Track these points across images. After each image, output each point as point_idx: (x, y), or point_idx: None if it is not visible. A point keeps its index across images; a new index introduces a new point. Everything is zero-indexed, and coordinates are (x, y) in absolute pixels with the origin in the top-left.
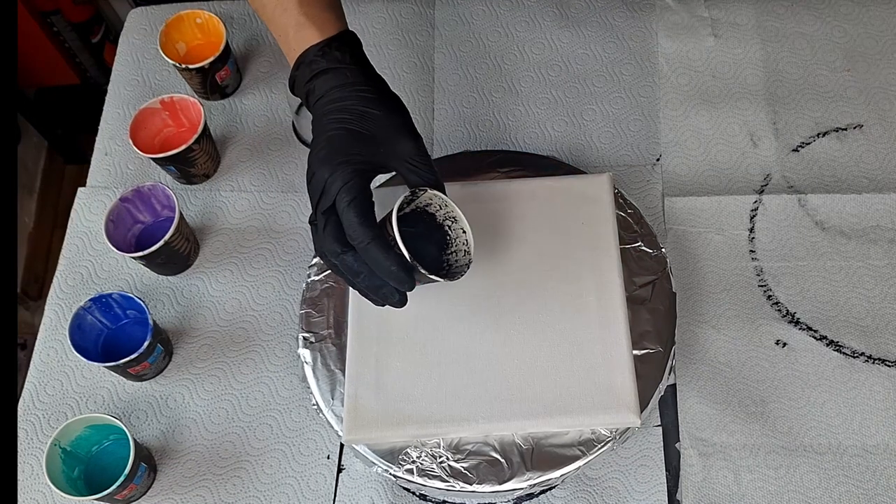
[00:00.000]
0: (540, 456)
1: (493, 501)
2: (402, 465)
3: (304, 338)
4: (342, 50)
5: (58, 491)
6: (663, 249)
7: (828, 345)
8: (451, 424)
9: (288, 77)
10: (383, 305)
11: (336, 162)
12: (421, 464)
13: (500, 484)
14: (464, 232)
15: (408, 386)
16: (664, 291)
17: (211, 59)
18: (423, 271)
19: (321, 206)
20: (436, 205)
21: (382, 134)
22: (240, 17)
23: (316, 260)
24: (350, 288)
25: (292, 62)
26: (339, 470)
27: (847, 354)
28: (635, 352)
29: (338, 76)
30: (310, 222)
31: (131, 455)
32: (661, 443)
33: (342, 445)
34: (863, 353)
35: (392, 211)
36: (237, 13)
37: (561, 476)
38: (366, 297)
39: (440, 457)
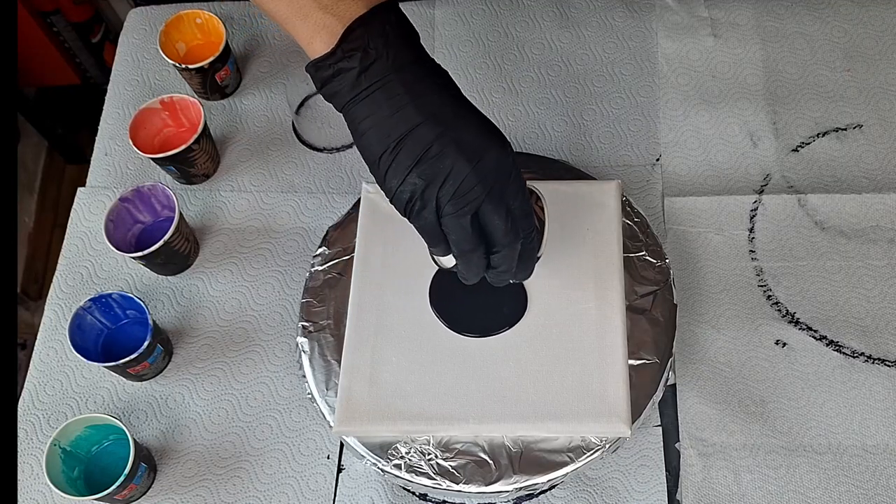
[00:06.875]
0: (528, 460)
1: (494, 502)
2: (391, 460)
3: (304, 326)
4: None
5: (58, 491)
6: (667, 261)
7: (828, 345)
8: (441, 422)
9: (287, 75)
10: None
11: (504, 142)
12: (409, 460)
13: (487, 485)
14: None
15: (402, 381)
16: (665, 302)
17: (211, 59)
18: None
19: (510, 193)
20: None
21: None
22: (240, 17)
23: (321, 250)
24: (353, 279)
25: (346, 21)
26: (339, 470)
27: (847, 354)
28: (631, 361)
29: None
30: (486, 214)
31: (131, 455)
32: (661, 443)
33: (342, 445)
34: (863, 353)
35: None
36: (237, 13)
37: (548, 481)
38: (465, 276)
39: (429, 454)
